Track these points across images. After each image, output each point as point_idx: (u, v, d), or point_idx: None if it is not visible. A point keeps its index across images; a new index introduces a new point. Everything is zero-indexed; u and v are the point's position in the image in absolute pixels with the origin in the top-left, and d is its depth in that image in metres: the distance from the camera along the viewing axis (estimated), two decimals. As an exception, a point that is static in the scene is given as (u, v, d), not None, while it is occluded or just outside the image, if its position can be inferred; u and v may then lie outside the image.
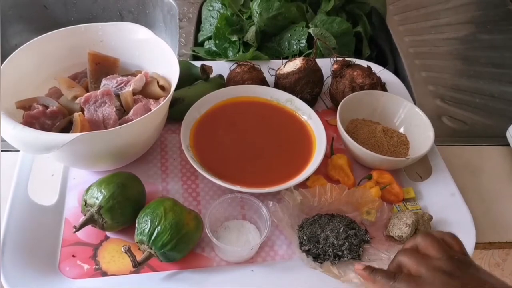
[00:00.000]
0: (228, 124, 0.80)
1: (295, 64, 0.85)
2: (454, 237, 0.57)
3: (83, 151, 0.66)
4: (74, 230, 0.62)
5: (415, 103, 0.90)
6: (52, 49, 0.75)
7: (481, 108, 0.99)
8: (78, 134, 0.60)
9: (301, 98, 0.83)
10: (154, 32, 0.78)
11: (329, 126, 0.84)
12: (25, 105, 0.69)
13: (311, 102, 0.85)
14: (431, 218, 0.68)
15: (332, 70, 0.88)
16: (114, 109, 0.69)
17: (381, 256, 0.64)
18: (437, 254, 0.53)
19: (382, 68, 0.94)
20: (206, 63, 0.87)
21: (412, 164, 0.76)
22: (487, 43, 1.17)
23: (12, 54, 0.70)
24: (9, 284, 0.59)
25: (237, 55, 0.97)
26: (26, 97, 0.70)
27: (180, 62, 0.74)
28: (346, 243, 0.64)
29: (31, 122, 0.67)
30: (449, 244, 0.55)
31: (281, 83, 0.85)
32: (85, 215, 0.63)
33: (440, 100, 1.00)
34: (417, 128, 0.80)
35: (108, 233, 0.67)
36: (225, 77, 0.89)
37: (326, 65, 0.89)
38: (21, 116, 0.68)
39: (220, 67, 0.90)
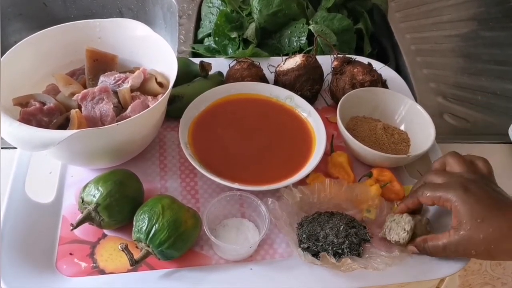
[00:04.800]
0: (227, 122, 0.79)
1: (295, 61, 0.84)
2: (485, 161, 0.59)
3: (80, 148, 0.65)
4: (72, 228, 0.62)
5: (416, 101, 0.90)
6: (49, 46, 0.75)
7: (483, 106, 0.99)
8: (75, 131, 0.59)
9: (301, 95, 0.82)
10: (153, 29, 0.77)
11: (329, 124, 0.83)
12: (22, 102, 0.69)
13: (311, 99, 0.85)
14: (428, 221, 0.66)
15: (333, 67, 0.87)
16: (112, 106, 0.68)
17: (382, 255, 0.63)
18: (462, 170, 0.59)
19: (383, 65, 0.94)
20: (206, 60, 0.86)
21: (413, 161, 0.75)
22: (489, 40, 1.17)
23: (9, 51, 0.70)
24: (6, 282, 0.58)
25: (237, 52, 0.97)
26: (23, 94, 0.70)
27: (179, 59, 0.73)
28: (346, 242, 0.63)
29: (28, 119, 0.66)
30: (478, 166, 0.59)
31: (281, 80, 0.85)
32: (82, 212, 0.63)
33: (442, 98, 0.99)
34: (418, 125, 0.79)
35: (105, 231, 0.66)
36: (225, 74, 0.88)
37: (326, 62, 0.88)
38: (18, 113, 0.68)
39: (220, 64, 0.90)
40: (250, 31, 0.98)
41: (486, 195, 0.57)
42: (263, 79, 0.86)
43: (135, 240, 0.61)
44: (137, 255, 0.60)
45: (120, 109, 0.71)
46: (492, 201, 0.57)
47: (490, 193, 0.58)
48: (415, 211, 0.66)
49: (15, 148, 0.72)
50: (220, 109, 0.80)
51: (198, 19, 1.13)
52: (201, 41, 1.08)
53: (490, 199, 0.57)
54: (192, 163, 0.69)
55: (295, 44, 0.99)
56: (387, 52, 1.11)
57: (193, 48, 1.04)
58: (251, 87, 0.83)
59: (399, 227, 0.64)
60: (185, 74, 0.83)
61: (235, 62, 0.88)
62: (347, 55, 0.87)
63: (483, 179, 0.59)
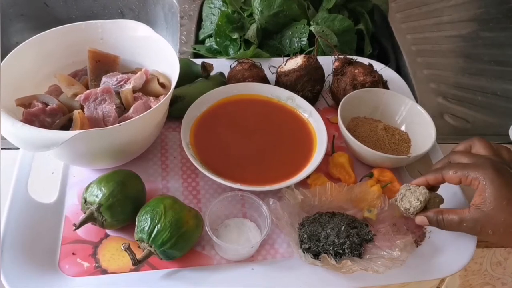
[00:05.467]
0: (229, 122, 0.80)
1: (296, 61, 0.84)
2: (509, 150, 0.62)
3: (82, 149, 0.66)
4: (74, 228, 0.62)
5: (417, 101, 0.90)
6: (52, 47, 0.75)
7: (483, 106, 0.99)
8: (78, 131, 0.59)
9: (302, 96, 0.82)
10: (155, 30, 0.77)
11: (330, 124, 0.84)
12: (25, 103, 0.69)
13: (312, 100, 0.85)
14: (442, 201, 0.66)
15: (333, 68, 0.87)
16: (114, 107, 0.69)
17: (383, 255, 0.63)
18: (488, 154, 0.60)
19: (384, 66, 0.94)
20: (207, 60, 0.87)
21: (414, 162, 0.75)
22: (490, 41, 1.17)
23: (12, 52, 0.70)
24: (9, 282, 0.59)
25: (238, 52, 0.97)
26: (26, 94, 0.70)
27: (181, 60, 0.74)
28: (348, 242, 0.63)
29: (30, 119, 0.67)
30: (502, 154, 0.62)
31: (282, 81, 0.85)
32: (85, 213, 0.63)
33: (442, 98, 1.00)
34: (419, 126, 0.79)
35: (108, 231, 0.67)
36: (226, 75, 0.88)
37: (327, 63, 0.88)
38: (20, 114, 0.68)
39: (221, 65, 0.90)
40: (251, 32, 0.98)
41: None
42: (264, 79, 0.86)
43: (137, 240, 0.62)
44: (139, 255, 0.60)
45: (122, 110, 0.71)
46: None
47: None
48: (432, 188, 0.65)
49: (18, 148, 0.73)
50: (221, 109, 0.81)
51: (200, 19, 1.13)
52: (202, 42, 1.08)
53: None
54: (194, 163, 0.69)
55: (296, 45, 0.99)
56: (388, 52, 1.11)
57: (195, 48, 1.04)
58: (252, 87, 0.83)
59: (413, 196, 0.64)
60: (187, 75, 0.83)
61: (236, 62, 0.88)
62: (348, 56, 0.88)
63: (509, 166, 0.60)
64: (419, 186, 0.64)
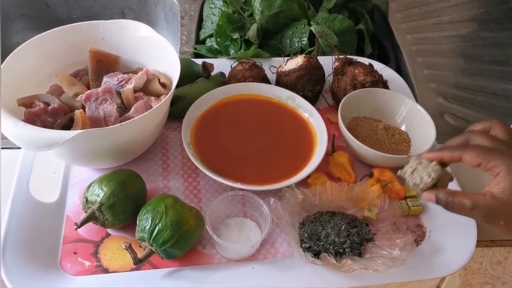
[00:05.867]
0: (229, 122, 0.80)
1: (297, 61, 0.85)
2: None
3: (84, 149, 0.66)
4: (75, 227, 0.62)
5: (417, 101, 0.90)
6: (53, 47, 0.75)
7: (483, 106, 0.99)
8: (79, 131, 0.60)
9: (302, 96, 0.83)
10: (156, 30, 0.78)
11: (331, 124, 0.84)
12: (26, 103, 0.69)
13: (313, 100, 0.85)
14: (452, 179, 0.62)
15: (334, 68, 0.87)
16: (115, 107, 0.69)
17: (383, 254, 0.64)
18: (507, 139, 0.57)
19: (384, 65, 0.94)
20: (208, 60, 0.87)
21: (414, 161, 0.76)
22: (490, 41, 1.17)
23: (13, 52, 0.70)
24: (10, 281, 0.59)
25: (239, 52, 0.97)
26: (28, 94, 0.70)
27: (181, 60, 0.74)
28: (348, 241, 0.63)
29: (32, 119, 0.67)
30: None
31: (282, 80, 0.85)
32: (86, 212, 0.64)
33: (442, 98, 1.00)
34: (419, 126, 0.80)
35: (109, 230, 0.67)
36: (227, 75, 0.88)
37: (327, 63, 0.89)
38: (22, 114, 0.68)
39: (222, 65, 0.90)
40: (252, 32, 0.98)
41: None
42: (264, 79, 0.86)
43: (138, 239, 0.62)
44: (140, 254, 0.61)
45: (123, 109, 0.71)
46: None
47: None
48: (443, 164, 0.62)
49: (19, 148, 0.73)
50: (222, 109, 0.81)
51: (200, 20, 1.14)
52: (203, 42, 1.08)
53: None
54: (195, 163, 0.70)
55: (296, 45, 0.99)
56: (388, 52, 1.12)
57: (195, 48, 1.04)
58: (253, 87, 0.83)
59: (425, 171, 0.60)
60: (187, 75, 0.84)
61: (237, 62, 0.88)
62: (348, 56, 0.88)
63: None
64: (432, 162, 0.60)
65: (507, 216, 0.55)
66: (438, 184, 0.60)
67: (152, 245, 0.61)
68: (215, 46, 1.03)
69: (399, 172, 0.62)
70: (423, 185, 0.59)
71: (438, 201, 0.59)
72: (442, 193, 0.58)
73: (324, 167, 0.76)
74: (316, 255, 0.63)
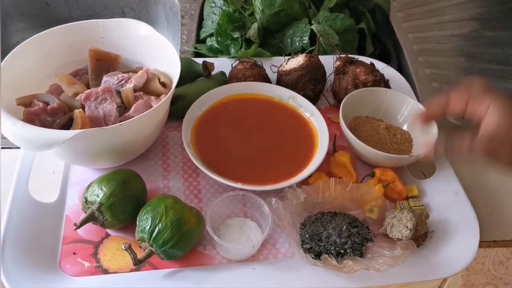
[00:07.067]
0: (230, 121, 0.79)
1: (298, 61, 0.84)
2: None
3: (83, 148, 0.65)
4: (75, 227, 0.62)
5: (418, 100, 0.89)
6: (53, 46, 0.75)
7: (485, 106, 0.98)
8: (79, 131, 0.59)
9: (303, 95, 0.82)
10: (156, 29, 0.77)
11: (332, 123, 0.83)
12: (26, 102, 0.69)
13: (314, 99, 0.85)
14: (427, 216, 0.67)
15: (335, 67, 0.87)
16: (115, 106, 0.69)
17: (384, 254, 0.63)
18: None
19: (386, 65, 0.94)
20: (208, 60, 0.86)
21: (416, 161, 0.75)
22: (492, 40, 1.16)
23: (13, 51, 0.70)
24: (9, 282, 0.59)
25: (239, 52, 0.97)
26: (27, 93, 0.70)
27: (182, 59, 0.73)
28: (349, 242, 0.63)
29: (31, 119, 0.67)
30: None
31: (283, 80, 0.85)
32: (85, 212, 0.63)
33: (444, 97, 0.99)
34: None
35: (109, 231, 0.66)
36: (227, 74, 0.88)
37: (328, 62, 0.88)
38: (21, 113, 0.68)
39: (222, 64, 0.90)
40: (253, 31, 0.98)
41: None
42: (265, 79, 0.86)
43: (138, 240, 0.62)
44: (140, 254, 0.60)
45: (123, 109, 0.71)
46: None
47: None
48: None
49: (19, 148, 0.73)
50: (222, 109, 0.80)
51: (201, 19, 1.13)
52: (203, 41, 1.08)
53: None
54: (195, 162, 0.69)
55: (297, 44, 0.99)
56: (389, 51, 1.11)
57: (196, 48, 1.04)
58: (253, 87, 0.83)
59: (401, 224, 0.64)
60: (188, 74, 0.83)
61: (237, 62, 0.88)
62: (349, 55, 0.87)
63: None
64: (403, 211, 0.64)
65: (508, 143, 0.54)
66: (418, 228, 0.64)
67: (152, 246, 0.60)
68: (216, 45, 1.02)
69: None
70: (405, 238, 0.63)
71: (437, 154, 0.59)
72: (439, 143, 0.58)
73: (325, 167, 0.75)
74: (317, 255, 0.63)
